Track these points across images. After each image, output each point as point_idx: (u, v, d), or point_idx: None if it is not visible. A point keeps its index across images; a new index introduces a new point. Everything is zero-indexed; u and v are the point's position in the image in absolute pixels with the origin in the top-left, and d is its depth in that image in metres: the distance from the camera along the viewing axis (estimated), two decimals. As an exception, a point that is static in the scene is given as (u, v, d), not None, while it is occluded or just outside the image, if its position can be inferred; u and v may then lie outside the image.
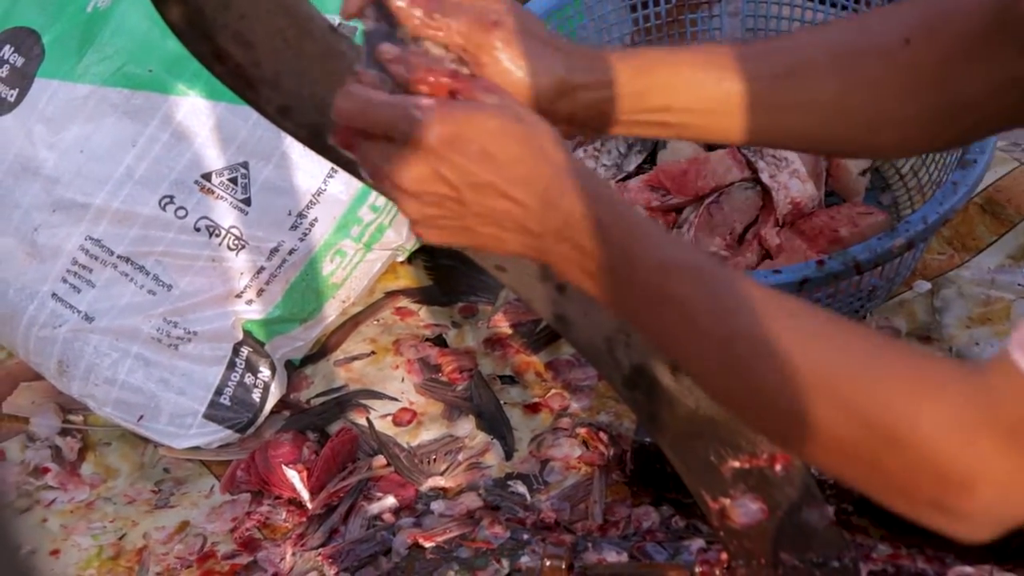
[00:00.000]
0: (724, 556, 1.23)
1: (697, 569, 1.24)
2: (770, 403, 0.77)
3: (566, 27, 1.61)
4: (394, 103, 0.80)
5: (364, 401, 1.49)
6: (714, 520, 1.04)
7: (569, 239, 0.80)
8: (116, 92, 1.44)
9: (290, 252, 1.48)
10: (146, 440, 1.49)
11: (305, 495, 1.39)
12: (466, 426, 1.46)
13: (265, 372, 1.48)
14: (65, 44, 1.47)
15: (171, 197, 1.44)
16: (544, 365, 1.51)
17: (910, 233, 1.30)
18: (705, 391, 0.90)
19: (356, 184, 1.46)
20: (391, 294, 1.62)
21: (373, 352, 1.55)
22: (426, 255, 1.64)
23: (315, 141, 0.89)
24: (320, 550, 1.33)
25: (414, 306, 1.61)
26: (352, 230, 1.51)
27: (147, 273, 1.44)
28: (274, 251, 1.47)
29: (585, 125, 0.92)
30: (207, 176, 1.45)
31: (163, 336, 1.45)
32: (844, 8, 1.59)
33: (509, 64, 0.87)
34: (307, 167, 1.47)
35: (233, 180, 1.45)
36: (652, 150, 1.64)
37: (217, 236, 1.45)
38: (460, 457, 1.42)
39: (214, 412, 1.45)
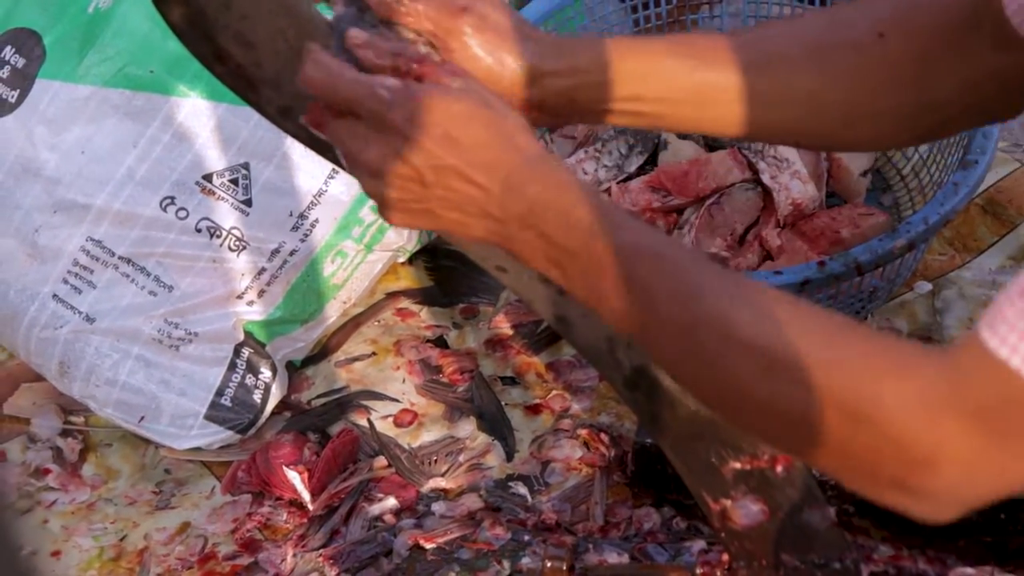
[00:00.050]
0: (725, 557, 1.23)
1: (698, 570, 1.24)
2: (735, 387, 0.77)
3: (567, 28, 1.61)
4: (362, 80, 0.80)
5: (365, 402, 1.49)
6: (715, 521, 1.04)
7: (533, 226, 0.80)
8: (117, 93, 1.44)
9: (291, 253, 1.48)
10: (147, 441, 1.49)
11: (306, 496, 1.39)
12: (467, 427, 1.46)
13: (266, 373, 1.48)
14: (66, 45, 1.47)
15: (172, 198, 1.44)
16: (545, 366, 1.50)
17: (911, 234, 1.30)
18: (674, 378, 0.89)
19: (357, 185, 1.45)
20: (392, 295, 1.62)
21: (374, 353, 1.55)
22: (427, 256, 1.64)
23: (316, 142, 0.89)
24: (321, 551, 1.33)
25: (415, 307, 1.61)
26: (353, 231, 1.51)
27: (148, 274, 1.44)
28: (275, 252, 1.47)
29: (556, 113, 0.92)
30: (208, 177, 1.45)
31: (164, 337, 1.45)
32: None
33: (478, 50, 0.87)
34: (308, 168, 1.47)
35: (234, 181, 1.45)
36: (653, 151, 1.64)
37: (218, 237, 1.45)
38: (461, 458, 1.42)
39: (215, 413, 1.45)
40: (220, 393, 1.45)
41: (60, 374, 1.47)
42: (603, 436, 1.39)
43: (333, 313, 1.56)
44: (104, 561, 1.38)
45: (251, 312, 1.48)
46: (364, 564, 1.32)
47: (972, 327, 0.70)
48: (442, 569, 1.29)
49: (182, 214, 1.44)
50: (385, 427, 1.46)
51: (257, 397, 1.47)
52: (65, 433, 1.51)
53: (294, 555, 1.34)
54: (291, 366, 1.54)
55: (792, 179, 1.51)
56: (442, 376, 1.51)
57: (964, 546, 1.23)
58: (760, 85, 0.92)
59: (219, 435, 1.46)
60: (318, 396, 1.52)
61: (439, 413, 1.48)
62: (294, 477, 1.39)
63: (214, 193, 1.45)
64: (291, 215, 1.47)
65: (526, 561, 1.28)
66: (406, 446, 1.44)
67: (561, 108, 0.91)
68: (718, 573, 1.23)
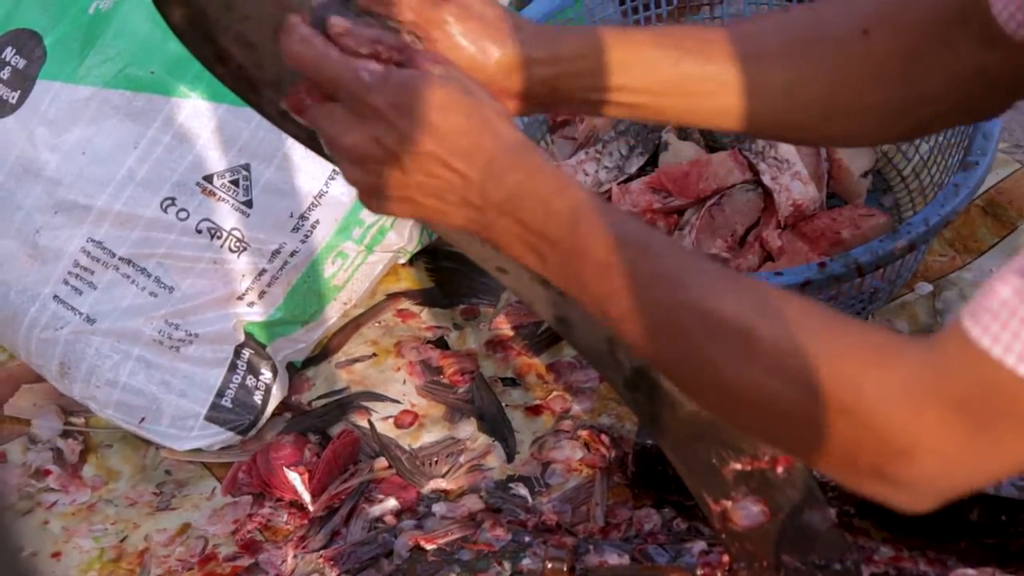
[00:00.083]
0: (726, 558, 1.23)
1: (699, 571, 1.24)
2: (717, 374, 0.76)
3: (568, 29, 1.61)
4: (344, 61, 0.80)
5: (365, 403, 1.49)
6: (716, 522, 1.04)
7: (511, 214, 0.80)
8: (118, 94, 1.44)
9: (292, 254, 1.48)
10: (148, 442, 1.49)
11: (306, 497, 1.39)
12: (467, 428, 1.46)
13: (267, 374, 1.48)
14: (67, 46, 1.47)
15: (173, 199, 1.44)
16: (546, 367, 1.50)
17: (912, 235, 1.30)
18: (658, 369, 0.89)
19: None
20: (393, 296, 1.62)
21: (374, 354, 1.55)
22: (428, 257, 1.64)
23: (316, 143, 0.89)
24: (321, 552, 1.33)
25: (416, 308, 1.61)
26: (354, 232, 1.51)
27: (149, 275, 1.44)
28: (276, 253, 1.47)
29: (539, 102, 0.91)
30: (209, 178, 1.45)
31: (165, 338, 1.45)
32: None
33: (461, 39, 0.87)
34: (309, 169, 1.47)
35: (235, 182, 1.45)
36: (654, 152, 1.64)
37: (219, 238, 1.45)
38: (461, 459, 1.42)
39: (215, 414, 1.45)
40: (221, 394, 1.45)
41: (60, 375, 1.47)
42: (604, 437, 1.39)
43: (334, 314, 1.56)
44: (104, 562, 1.38)
45: (252, 313, 1.48)
46: (365, 565, 1.32)
47: (956, 316, 0.70)
48: (443, 570, 1.29)
49: (183, 215, 1.44)
50: (386, 428, 1.46)
51: (258, 398, 1.47)
52: (66, 434, 1.51)
53: (295, 556, 1.34)
54: (292, 367, 1.54)
55: (793, 180, 1.51)
56: (443, 377, 1.51)
57: (965, 547, 1.23)
58: (740, 78, 0.91)
59: (220, 436, 1.46)
60: (319, 397, 1.52)
61: (440, 414, 1.48)
62: (295, 478, 1.39)
63: (215, 194, 1.45)
64: (292, 216, 1.47)
65: (527, 562, 1.28)
66: (407, 447, 1.44)
67: (544, 97, 0.91)
68: (719, 574, 1.23)
